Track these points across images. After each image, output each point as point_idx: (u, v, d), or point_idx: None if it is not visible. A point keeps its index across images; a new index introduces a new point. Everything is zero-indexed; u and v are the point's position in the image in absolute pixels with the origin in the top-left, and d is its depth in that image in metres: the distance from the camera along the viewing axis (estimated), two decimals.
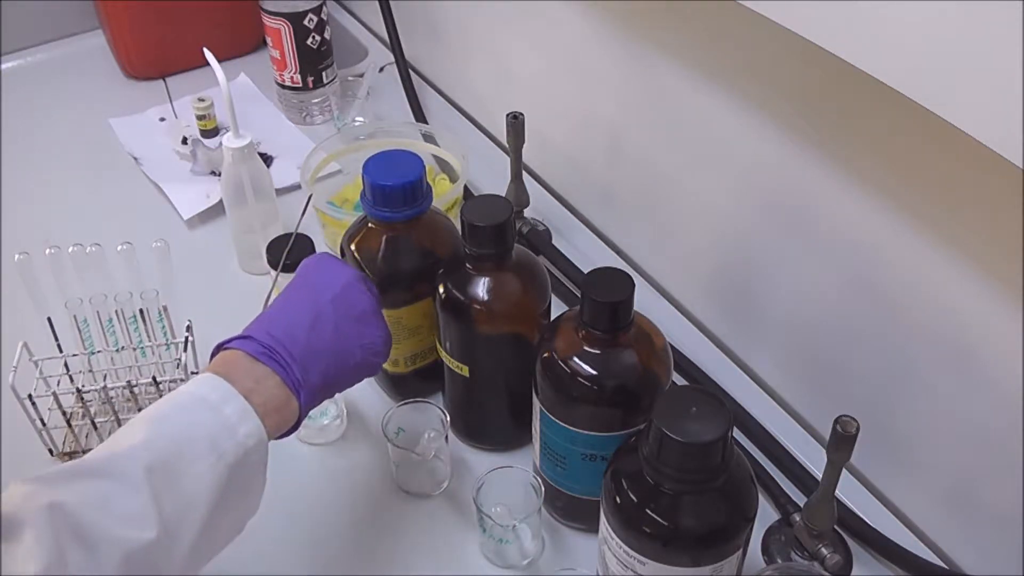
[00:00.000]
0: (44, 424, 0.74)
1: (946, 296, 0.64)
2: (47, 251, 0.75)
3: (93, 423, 0.76)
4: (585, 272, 0.67)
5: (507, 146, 0.91)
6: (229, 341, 0.61)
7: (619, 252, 1.00)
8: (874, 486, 0.77)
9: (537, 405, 0.67)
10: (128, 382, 0.75)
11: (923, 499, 0.73)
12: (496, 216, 0.68)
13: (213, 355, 0.62)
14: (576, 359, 0.64)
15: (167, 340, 0.79)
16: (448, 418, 0.74)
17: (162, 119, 1.18)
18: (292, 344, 0.61)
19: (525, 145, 0.91)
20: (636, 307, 0.63)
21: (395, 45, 1.16)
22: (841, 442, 0.60)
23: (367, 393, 0.84)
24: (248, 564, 0.70)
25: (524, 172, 0.95)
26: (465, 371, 0.74)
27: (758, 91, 0.74)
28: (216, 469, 0.55)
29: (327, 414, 0.79)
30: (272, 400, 0.59)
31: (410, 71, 1.17)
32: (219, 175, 1.02)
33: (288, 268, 0.82)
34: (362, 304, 0.66)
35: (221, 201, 0.95)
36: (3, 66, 1.27)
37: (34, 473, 0.52)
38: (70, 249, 0.75)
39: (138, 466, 0.52)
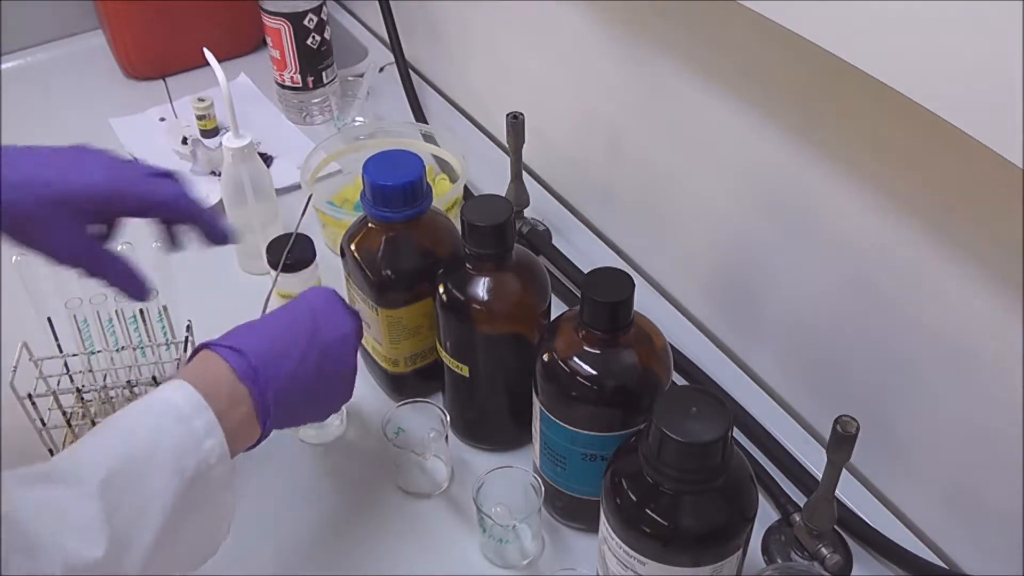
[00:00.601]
0: (44, 424, 0.74)
1: (946, 296, 0.64)
2: None
3: (93, 423, 0.76)
4: (585, 272, 0.67)
5: (507, 146, 0.91)
6: (218, 344, 0.60)
7: (619, 252, 1.00)
8: (874, 486, 0.77)
9: (537, 405, 0.67)
10: (128, 382, 0.75)
11: (923, 499, 0.73)
12: (496, 216, 0.68)
13: (197, 351, 0.61)
14: (576, 359, 0.64)
15: (167, 340, 0.79)
16: (448, 418, 0.74)
17: (162, 119, 1.18)
18: (277, 373, 0.60)
19: (525, 145, 0.91)
20: (636, 307, 0.63)
21: (395, 45, 1.16)
22: (841, 442, 0.60)
23: (367, 393, 0.84)
24: (248, 563, 0.70)
25: (524, 172, 0.95)
26: (465, 371, 0.74)
27: (758, 91, 0.74)
28: (174, 483, 0.53)
29: None
30: (240, 427, 0.58)
31: (410, 71, 1.17)
32: (219, 175, 1.02)
33: (288, 268, 0.82)
34: (351, 361, 0.67)
35: (221, 201, 0.95)
36: (3, 66, 1.27)
37: None
38: None
39: (96, 476, 0.51)
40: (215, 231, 0.68)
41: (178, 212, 0.66)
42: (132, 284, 0.67)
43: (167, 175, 0.67)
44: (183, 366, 0.60)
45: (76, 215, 0.63)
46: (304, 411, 0.64)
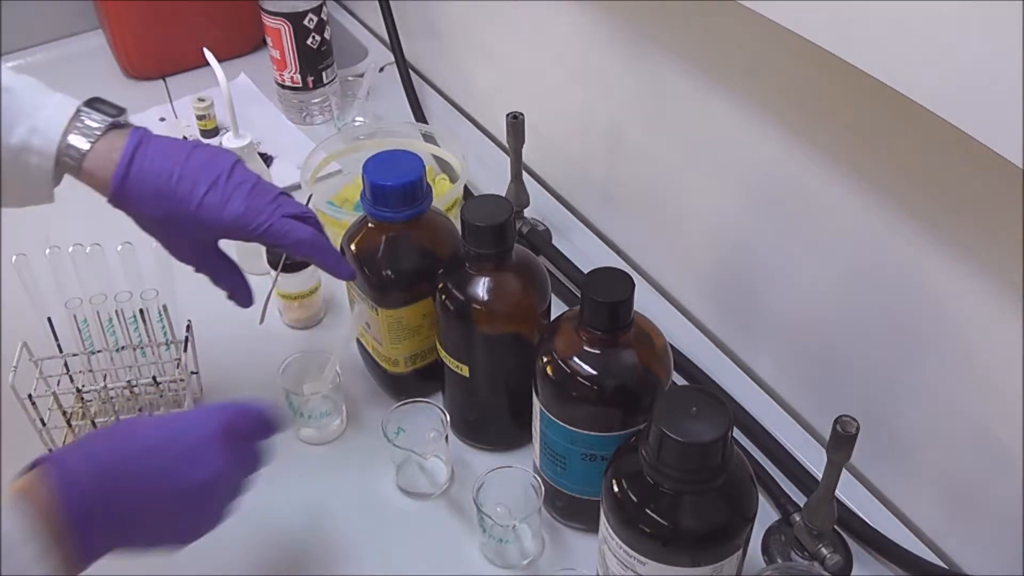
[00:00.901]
0: (44, 424, 0.74)
1: (946, 296, 0.64)
2: (47, 251, 0.75)
3: (93, 423, 0.76)
4: (585, 272, 0.67)
5: (507, 146, 0.91)
6: (54, 467, 0.53)
7: (619, 252, 1.00)
8: (874, 486, 0.77)
9: (537, 405, 0.67)
10: (128, 382, 0.75)
11: (923, 499, 0.73)
12: (496, 216, 0.68)
13: (35, 464, 0.54)
14: (576, 359, 0.64)
15: (167, 340, 0.79)
16: (448, 418, 0.74)
17: (162, 119, 1.18)
18: (108, 515, 0.53)
19: (525, 145, 0.91)
20: (636, 307, 0.63)
21: (395, 45, 1.16)
22: (841, 442, 0.60)
23: (367, 393, 0.84)
24: (248, 563, 0.70)
25: (524, 172, 0.95)
26: (465, 371, 0.74)
27: (758, 91, 0.74)
28: None
29: (327, 414, 0.79)
30: (64, 561, 0.51)
31: (410, 71, 1.17)
32: None
33: (288, 268, 0.82)
34: (208, 506, 0.58)
35: None
36: (3, 66, 1.27)
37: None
38: (70, 249, 0.75)
39: None
40: (339, 272, 0.73)
41: (304, 254, 0.71)
42: (240, 294, 0.74)
43: (304, 217, 0.70)
44: (19, 476, 0.54)
45: (205, 231, 0.68)
46: (143, 545, 0.57)
